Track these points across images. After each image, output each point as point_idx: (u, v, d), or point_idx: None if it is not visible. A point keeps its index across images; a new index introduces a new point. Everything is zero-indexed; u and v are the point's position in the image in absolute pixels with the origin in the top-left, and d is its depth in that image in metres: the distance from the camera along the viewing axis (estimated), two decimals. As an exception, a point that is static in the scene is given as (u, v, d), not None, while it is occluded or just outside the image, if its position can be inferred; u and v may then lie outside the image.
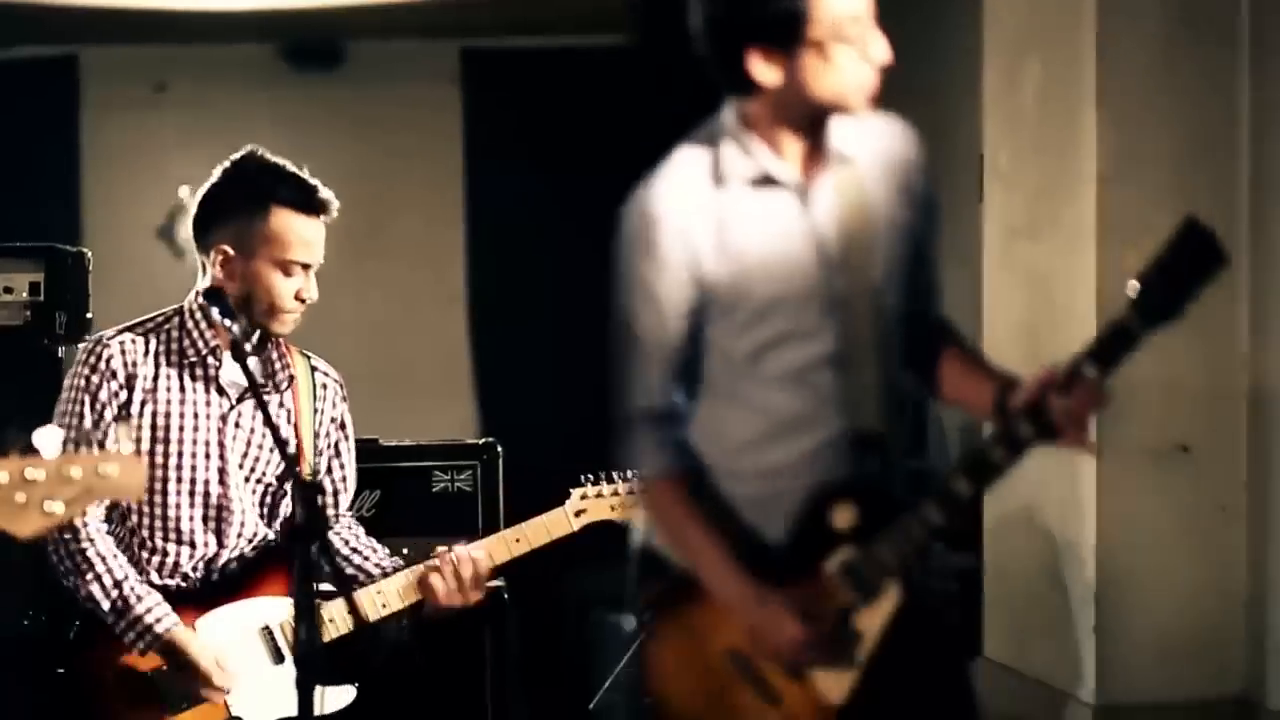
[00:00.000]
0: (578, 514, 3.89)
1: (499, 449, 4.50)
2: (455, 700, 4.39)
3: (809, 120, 3.07)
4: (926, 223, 3.16)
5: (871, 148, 3.12)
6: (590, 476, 3.91)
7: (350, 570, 3.82)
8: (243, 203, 3.63)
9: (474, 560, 3.74)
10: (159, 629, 3.56)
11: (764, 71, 2.97)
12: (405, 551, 3.99)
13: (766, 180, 3.05)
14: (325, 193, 3.68)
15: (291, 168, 3.68)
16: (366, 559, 3.85)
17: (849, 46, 2.96)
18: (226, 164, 3.71)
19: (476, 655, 4.39)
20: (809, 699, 3.03)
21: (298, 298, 3.64)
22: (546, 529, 3.86)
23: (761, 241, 3.05)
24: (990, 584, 5.32)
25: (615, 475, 3.94)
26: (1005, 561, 5.27)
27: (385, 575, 3.78)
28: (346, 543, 3.87)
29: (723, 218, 3.03)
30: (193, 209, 3.72)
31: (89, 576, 3.58)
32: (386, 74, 7.49)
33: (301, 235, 3.62)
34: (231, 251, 3.62)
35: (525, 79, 7.42)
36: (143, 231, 7.29)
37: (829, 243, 3.06)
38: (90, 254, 4.60)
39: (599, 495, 3.90)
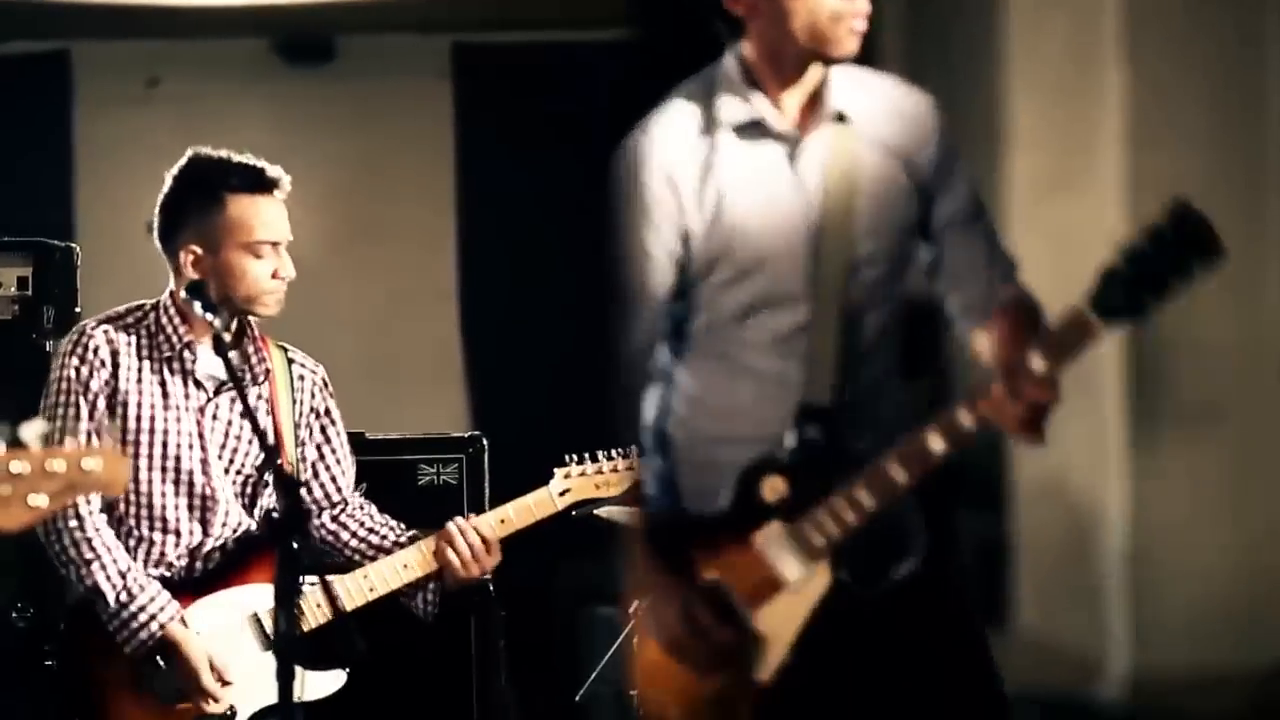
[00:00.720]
0: (562, 493, 3.93)
1: (484, 442, 4.52)
2: (441, 693, 4.44)
3: (801, 67, 2.94)
4: (939, 196, 3.00)
5: (876, 109, 2.98)
6: (574, 456, 3.95)
7: (370, 550, 3.82)
8: (197, 200, 3.65)
9: (480, 525, 3.76)
10: (162, 618, 3.54)
11: (739, 4, 2.88)
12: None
13: (756, 128, 2.93)
14: (274, 171, 3.66)
15: (237, 156, 3.68)
16: (385, 537, 3.83)
17: None
18: (175, 170, 3.73)
19: (462, 648, 4.44)
20: (737, 675, 2.94)
21: (275, 277, 3.71)
22: (531, 510, 3.86)
23: (747, 194, 2.93)
24: (1020, 552, 5.05)
25: (599, 454, 3.99)
26: (1034, 529, 5.00)
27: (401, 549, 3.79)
28: (362, 524, 3.85)
29: (709, 165, 2.93)
30: (155, 220, 3.74)
31: (95, 566, 3.55)
32: (379, 69, 7.36)
33: (261, 215, 3.64)
34: (200, 250, 3.66)
35: (517, 73, 7.31)
36: (135, 227, 7.24)
37: (814, 201, 2.93)
38: (79, 249, 4.64)
39: (583, 474, 3.93)
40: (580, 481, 3.94)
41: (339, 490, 3.88)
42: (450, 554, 3.75)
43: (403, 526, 3.88)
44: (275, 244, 3.68)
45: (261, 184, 3.69)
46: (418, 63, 7.47)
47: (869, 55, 3.01)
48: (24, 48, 7.29)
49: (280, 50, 7.46)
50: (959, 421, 2.81)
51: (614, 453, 3.97)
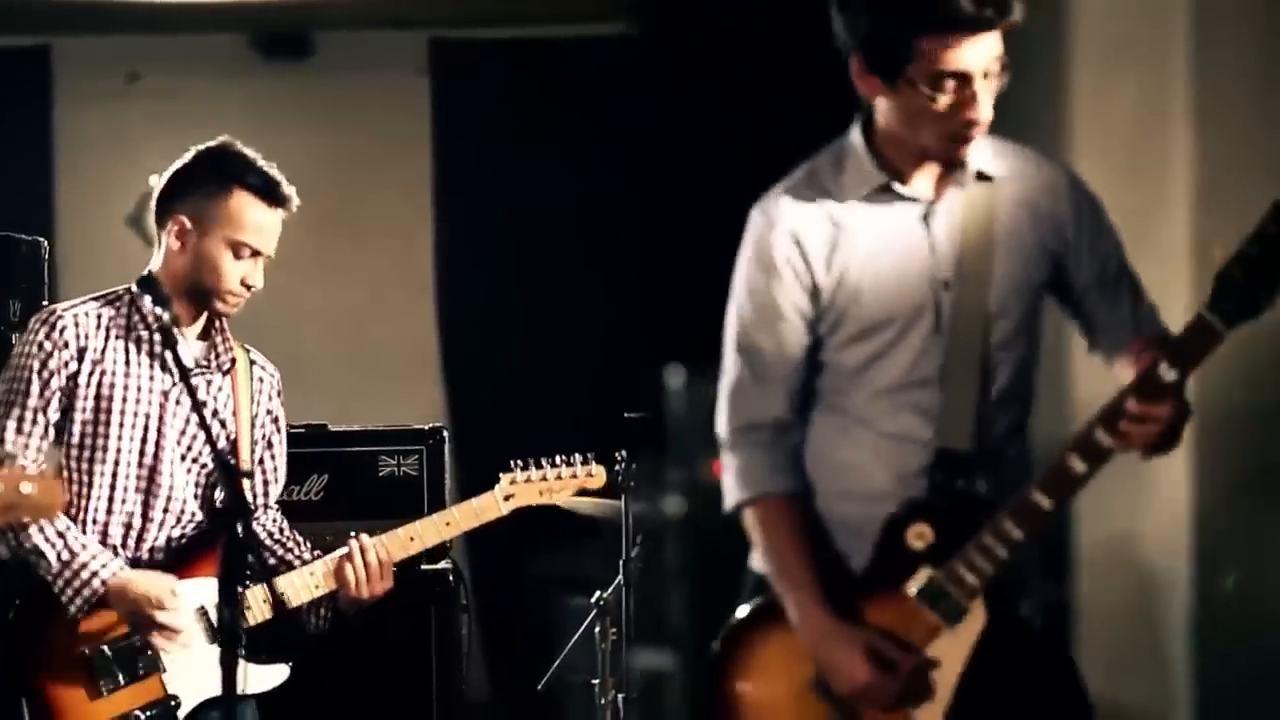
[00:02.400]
0: (507, 498, 3.95)
1: (445, 434, 4.53)
2: (402, 683, 4.45)
3: (923, 158, 2.97)
4: (1078, 259, 3.02)
5: (1015, 172, 2.99)
6: (519, 462, 3.98)
7: (273, 561, 3.77)
8: (207, 180, 3.64)
9: (378, 547, 3.75)
10: (105, 574, 3.53)
11: (863, 84, 2.90)
12: (352, 534, 4.03)
13: (885, 192, 2.95)
14: (289, 189, 3.65)
15: (261, 162, 3.68)
16: (289, 550, 3.81)
17: (946, 99, 2.86)
18: (200, 147, 3.73)
19: (423, 638, 4.45)
20: None
21: (243, 283, 3.66)
22: (476, 512, 3.88)
23: (875, 253, 2.95)
24: (1085, 618, 4.95)
25: (544, 461, 4.03)
26: (1099, 595, 4.90)
27: (305, 565, 3.75)
28: (271, 534, 3.83)
29: (838, 226, 2.95)
30: (159, 185, 3.71)
31: (32, 529, 3.52)
32: (356, 64, 7.33)
33: (257, 220, 3.63)
34: (188, 224, 3.66)
35: (493, 69, 7.27)
36: (114, 220, 7.25)
37: (946, 259, 2.95)
38: (46, 243, 4.63)
39: (528, 480, 3.96)
40: (525, 488, 3.97)
41: (266, 496, 3.89)
42: (348, 571, 3.76)
43: (310, 545, 3.88)
44: (257, 253, 3.68)
45: (273, 195, 3.68)
46: (395, 58, 7.44)
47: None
48: (4, 43, 7.25)
49: (258, 45, 7.43)
50: (1098, 440, 2.86)
51: (558, 459, 4.02)
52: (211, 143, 3.76)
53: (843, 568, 3.03)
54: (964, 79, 2.87)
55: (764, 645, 3.08)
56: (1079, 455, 2.86)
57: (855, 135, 3.02)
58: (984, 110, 2.90)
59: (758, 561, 3.11)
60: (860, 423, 3.03)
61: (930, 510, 2.97)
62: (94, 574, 3.57)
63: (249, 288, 3.69)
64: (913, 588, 2.95)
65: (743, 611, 3.11)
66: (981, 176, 2.99)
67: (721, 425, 3.09)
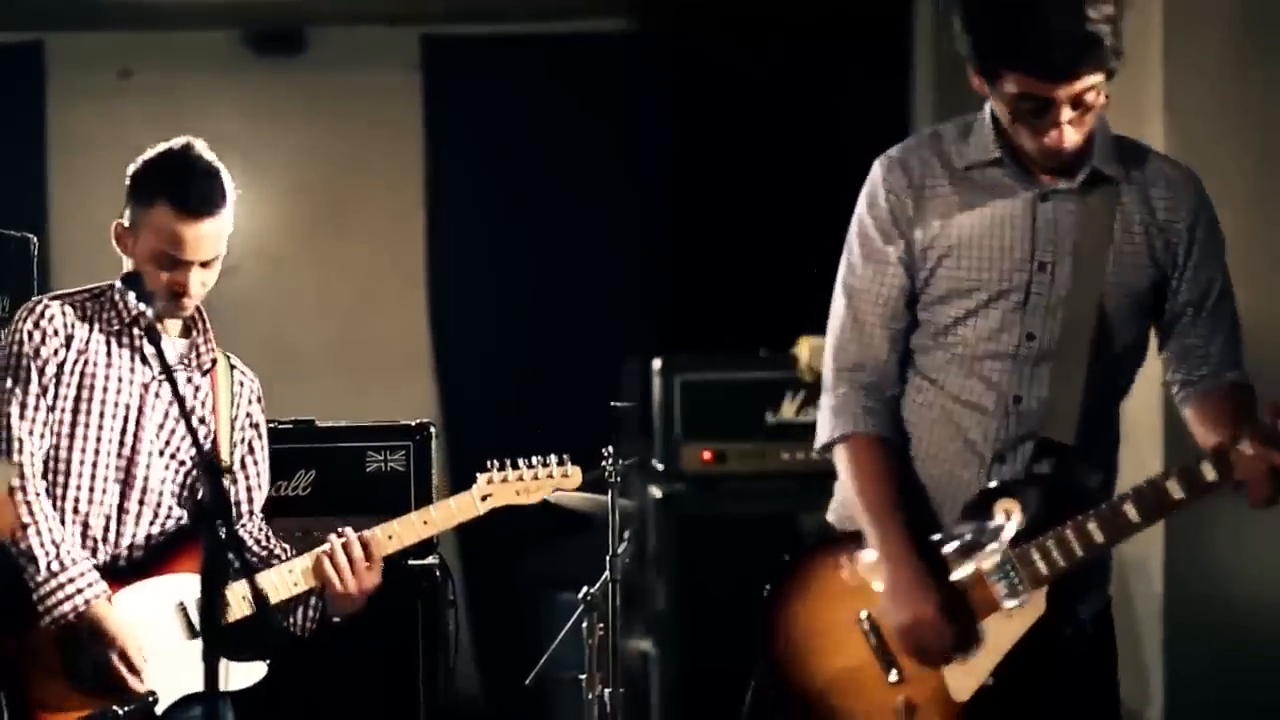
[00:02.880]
0: (484, 498, 3.95)
1: (432, 430, 4.53)
2: (389, 676, 4.44)
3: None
4: (1180, 276, 3.07)
5: (1139, 181, 3.05)
6: (495, 462, 3.97)
7: (259, 565, 3.73)
8: (139, 188, 3.65)
9: (365, 541, 3.73)
10: (88, 594, 3.54)
11: (974, 80, 3.00)
12: (337, 530, 4.00)
13: (1000, 167, 3.03)
14: (215, 199, 3.62)
15: (203, 166, 3.64)
16: (274, 555, 3.78)
17: (1032, 121, 2.94)
18: (162, 146, 3.78)
19: (410, 631, 4.44)
20: (935, 688, 3.02)
21: (172, 290, 3.62)
22: (453, 512, 3.89)
23: (978, 221, 3.04)
24: None
25: (520, 461, 4.01)
26: None
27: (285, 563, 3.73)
28: (259, 541, 3.83)
29: (949, 189, 3.05)
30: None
31: (30, 531, 3.50)
32: (349, 60, 7.36)
33: (177, 234, 3.59)
34: (126, 229, 3.73)
35: (485, 65, 7.30)
36: (107, 216, 7.26)
37: (1046, 243, 3.02)
38: (35, 239, 4.62)
39: (504, 480, 3.96)
40: (501, 488, 3.96)
41: (250, 503, 3.88)
42: (328, 568, 3.73)
43: (292, 551, 3.86)
44: (188, 263, 3.65)
45: (187, 208, 3.62)
46: (388, 54, 7.45)
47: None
48: (-2, 39, 7.30)
49: (251, 42, 7.44)
50: (1202, 473, 2.92)
51: (534, 460, 4.01)
52: (173, 143, 3.72)
53: (931, 525, 3.11)
54: (1052, 105, 2.94)
55: (816, 579, 3.18)
56: (1180, 482, 2.93)
57: (987, 109, 3.11)
58: (1069, 137, 2.97)
59: (832, 512, 3.22)
60: (934, 384, 3.12)
61: (1024, 491, 3.04)
62: (78, 590, 3.56)
63: (180, 295, 3.66)
64: (983, 559, 3.02)
65: (799, 549, 3.24)
66: (1098, 174, 3.06)
67: (826, 366, 3.19)
